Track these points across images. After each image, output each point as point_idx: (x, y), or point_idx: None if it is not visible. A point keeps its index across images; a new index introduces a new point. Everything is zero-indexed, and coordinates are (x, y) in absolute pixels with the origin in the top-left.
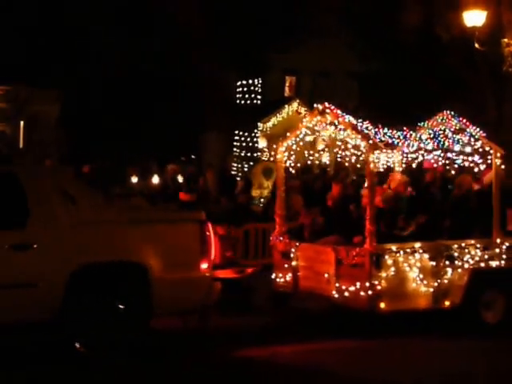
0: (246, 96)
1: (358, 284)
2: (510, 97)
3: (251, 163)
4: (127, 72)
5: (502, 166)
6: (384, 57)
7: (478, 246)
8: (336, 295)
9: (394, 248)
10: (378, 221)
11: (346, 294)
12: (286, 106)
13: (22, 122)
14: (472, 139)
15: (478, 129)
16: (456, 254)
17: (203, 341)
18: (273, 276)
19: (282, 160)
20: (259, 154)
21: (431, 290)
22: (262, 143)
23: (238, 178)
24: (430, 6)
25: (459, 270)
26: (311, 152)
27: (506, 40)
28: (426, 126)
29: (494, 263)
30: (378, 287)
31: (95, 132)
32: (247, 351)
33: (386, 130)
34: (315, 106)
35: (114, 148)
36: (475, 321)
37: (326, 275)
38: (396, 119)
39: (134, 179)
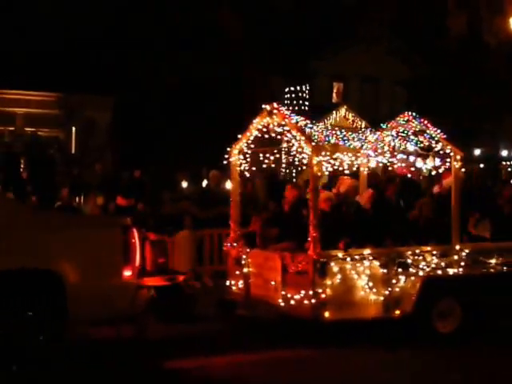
0: (294, 102)
1: (303, 292)
2: None
3: (299, 168)
4: (179, 80)
5: (463, 169)
6: (431, 63)
7: (435, 252)
8: (282, 303)
9: (340, 255)
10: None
11: (292, 302)
12: (334, 111)
13: (73, 128)
14: (433, 141)
15: (438, 130)
16: (409, 261)
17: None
18: (227, 283)
19: (237, 163)
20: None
21: (381, 298)
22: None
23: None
24: (477, 12)
25: (412, 278)
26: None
27: None
28: (386, 127)
29: (450, 270)
30: (323, 295)
31: (147, 138)
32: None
33: (340, 132)
34: (264, 106)
35: (165, 153)
36: (428, 331)
37: (273, 283)
38: (446, 126)
39: (184, 184)
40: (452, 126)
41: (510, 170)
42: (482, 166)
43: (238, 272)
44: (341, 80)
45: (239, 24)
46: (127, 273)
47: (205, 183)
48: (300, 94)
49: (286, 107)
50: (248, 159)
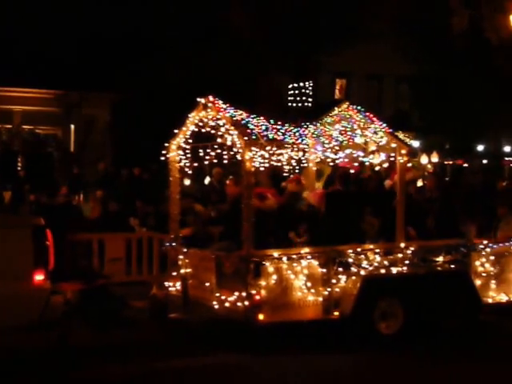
0: (298, 99)
1: (236, 294)
2: None
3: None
4: (178, 76)
5: (409, 164)
6: (434, 59)
7: (378, 250)
8: (216, 306)
9: (276, 254)
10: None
11: (226, 304)
12: (336, 108)
13: (72, 126)
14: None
15: (383, 124)
16: (350, 260)
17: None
18: (166, 284)
19: (175, 159)
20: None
21: (320, 299)
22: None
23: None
24: (479, 8)
25: (353, 278)
26: None
27: None
28: (330, 122)
29: (393, 270)
30: (257, 297)
31: (146, 135)
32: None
33: (281, 126)
34: (198, 100)
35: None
36: (369, 332)
37: (208, 284)
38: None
39: (187, 182)
40: (455, 123)
41: None
42: (484, 161)
43: (174, 273)
44: (344, 77)
45: (244, 20)
46: (39, 277)
47: (207, 180)
48: (303, 91)
49: (290, 104)
50: (188, 155)
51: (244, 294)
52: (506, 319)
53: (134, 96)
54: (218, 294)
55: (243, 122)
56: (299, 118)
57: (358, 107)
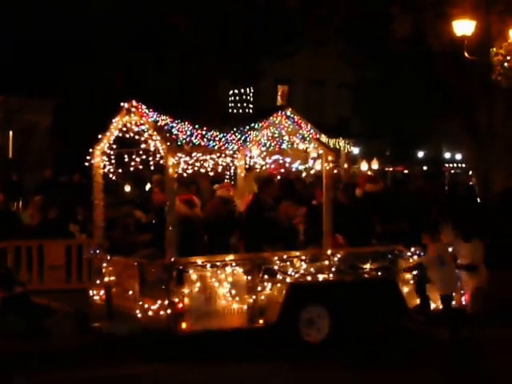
0: (239, 105)
1: (159, 302)
2: (498, 105)
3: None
4: (120, 82)
5: (335, 171)
6: (377, 66)
7: (304, 257)
8: (139, 315)
9: (199, 261)
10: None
11: (150, 313)
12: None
13: (11, 132)
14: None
15: (311, 130)
16: (276, 267)
17: None
18: (91, 293)
19: (99, 165)
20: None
21: (245, 307)
22: (254, 151)
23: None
24: (422, 14)
25: (279, 285)
26: None
27: (494, 49)
28: (258, 127)
29: (320, 277)
30: (179, 305)
31: (86, 142)
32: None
33: (206, 132)
34: (122, 104)
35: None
36: (295, 340)
37: (131, 292)
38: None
39: (127, 188)
40: (397, 128)
41: (452, 172)
42: (425, 168)
43: (98, 281)
44: (286, 83)
45: (187, 25)
46: None
47: (148, 187)
48: (244, 97)
49: (230, 110)
50: (112, 161)
51: (166, 302)
52: (435, 326)
53: (76, 101)
54: (140, 303)
55: (167, 127)
56: (239, 123)
57: (288, 113)
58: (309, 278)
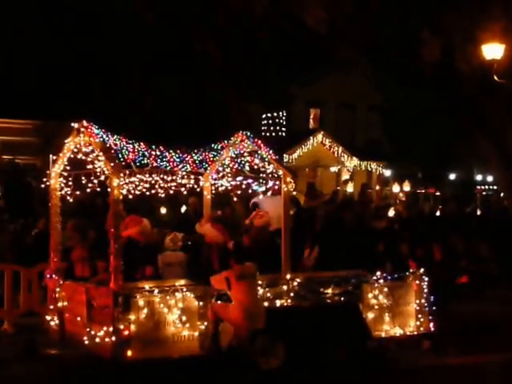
0: (272, 128)
1: (105, 328)
2: None
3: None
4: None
5: (294, 193)
6: (406, 89)
7: (260, 282)
8: (87, 341)
9: (147, 287)
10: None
11: (97, 339)
12: (311, 137)
13: (51, 156)
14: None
15: (271, 151)
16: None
17: None
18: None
19: (56, 187)
20: None
21: (196, 333)
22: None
23: None
24: (451, 38)
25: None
26: None
27: None
28: (217, 148)
29: (277, 302)
30: (125, 332)
31: None
32: None
33: (162, 152)
34: (72, 125)
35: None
36: (249, 367)
37: (79, 318)
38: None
39: (163, 210)
40: (426, 150)
41: (484, 193)
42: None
43: (51, 306)
44: (317, 106)
45: (217, 50)
46: None
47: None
48: (277, 121)
49: (263, 133)
50: (70, 182)
51: (111, 328)
52: (399, 352)
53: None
54: (88, 329)
55: (117, 147)
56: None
57: (247, 133)
58: (265, 304)
